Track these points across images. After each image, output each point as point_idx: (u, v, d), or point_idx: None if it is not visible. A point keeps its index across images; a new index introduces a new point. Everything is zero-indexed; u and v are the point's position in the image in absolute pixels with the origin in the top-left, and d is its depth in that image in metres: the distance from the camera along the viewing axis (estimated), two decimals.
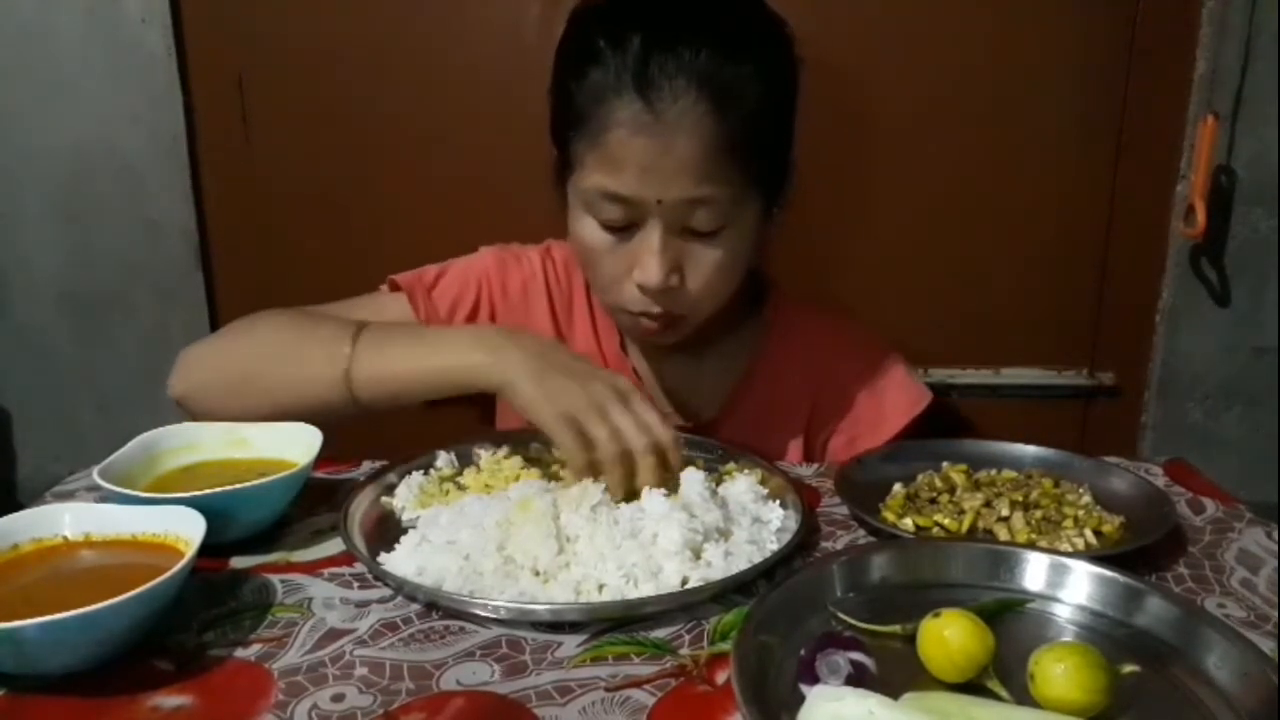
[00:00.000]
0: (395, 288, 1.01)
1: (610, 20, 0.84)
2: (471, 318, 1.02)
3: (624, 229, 0.86)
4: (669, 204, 0.83)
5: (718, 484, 0.80)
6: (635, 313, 0.90)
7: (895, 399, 1.03)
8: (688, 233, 0.86)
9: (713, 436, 0.93)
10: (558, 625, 0.63)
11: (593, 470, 0.75)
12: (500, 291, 1.03)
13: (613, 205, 0.85)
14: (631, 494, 0.75)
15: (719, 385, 1.04)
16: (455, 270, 1.04)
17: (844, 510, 0.80)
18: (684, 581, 0.66)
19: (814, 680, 0.53)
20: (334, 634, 0.62)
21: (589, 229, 0.88)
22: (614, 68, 0.81)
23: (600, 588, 0.66)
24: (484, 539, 0.69)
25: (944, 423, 1.03)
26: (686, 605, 0.65)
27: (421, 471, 0.84)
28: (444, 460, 0.86)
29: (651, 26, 0.82)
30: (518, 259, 1.05)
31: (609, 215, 0.86)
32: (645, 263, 0.85)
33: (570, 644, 0.61)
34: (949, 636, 0.55)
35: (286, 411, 0.83)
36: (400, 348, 0.84)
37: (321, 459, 0.79)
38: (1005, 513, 0.77)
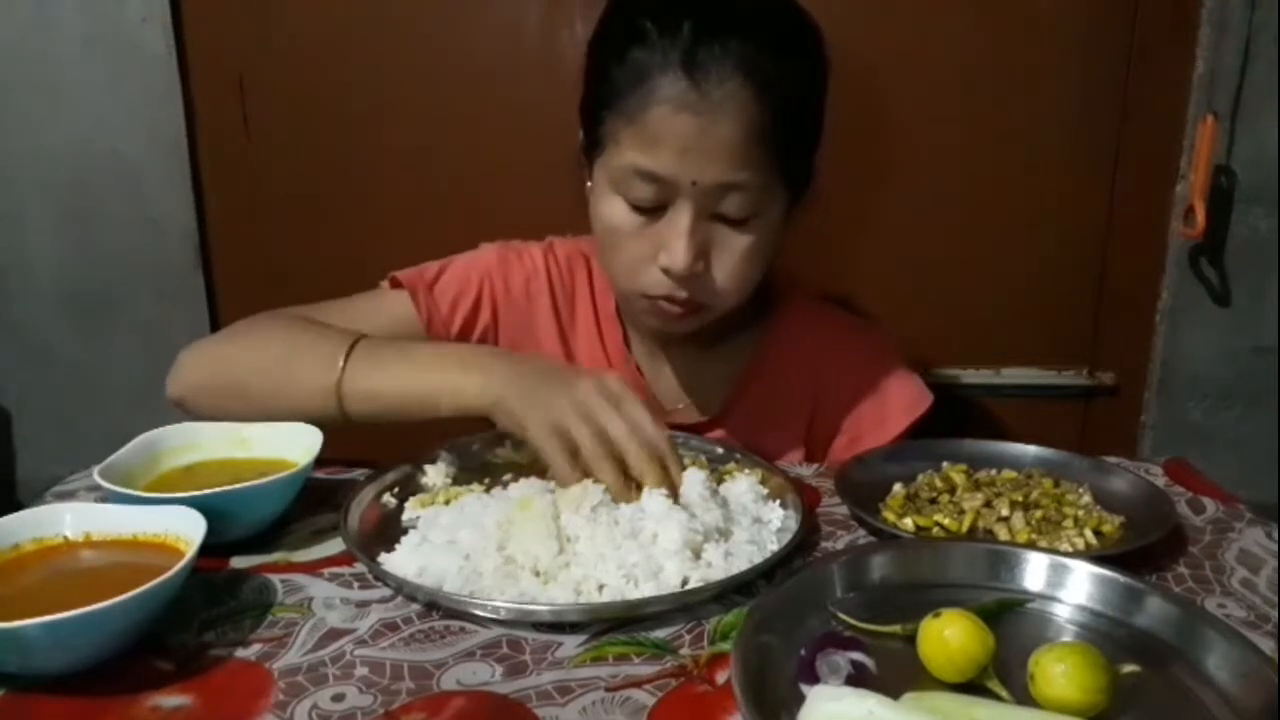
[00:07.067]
0: (396, 284, 1.01)
1: (659, 7, 0.84)
2: (473, 315, 1.02)
3: (652, 210, 0.86)
4: (704, 186, 0.83)
5: (718, 484, 0.80)
6: (656, 297, 0.89)
7: (898, 399, 1.03)
8: (717, 219, 0.86)
9: (713, 434, 0.92)
10: (558, 625, 0.63)
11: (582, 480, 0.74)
12: (503, 288, 1.03)
13: (646, 184, 0.84)
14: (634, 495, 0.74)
15: (721, 382, 1.03)
16: (456, 267, 1.03)
17: (844, 510, 0.80)
18: (684, 581, 0.66)
19: (814, 680, 0.53)
20: (334, 634, 0.62)
21: (617, 209, 0.87)
22: (661, 48, 0.81)
23: (600, 588, 0.65)
24: (484, 539, 0.69)
25: (944, 422, 1.03)
26: (686, 605, 0.65)
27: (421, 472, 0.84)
28: (444, 460, 0.86)
29: (702, 16, 0.82)
30: (519, 255, 1.05)
31: (640, 194, 0.85)
32: (672, 245, 0.85)
33: (570, 644, 0.61)
34: (949, 636, 0.55)
35: (277, 420, 0.83)
36: (390, 366, 0.84)
37: (321, 459, 0.79)
38: (1005, 513, 0.77)
